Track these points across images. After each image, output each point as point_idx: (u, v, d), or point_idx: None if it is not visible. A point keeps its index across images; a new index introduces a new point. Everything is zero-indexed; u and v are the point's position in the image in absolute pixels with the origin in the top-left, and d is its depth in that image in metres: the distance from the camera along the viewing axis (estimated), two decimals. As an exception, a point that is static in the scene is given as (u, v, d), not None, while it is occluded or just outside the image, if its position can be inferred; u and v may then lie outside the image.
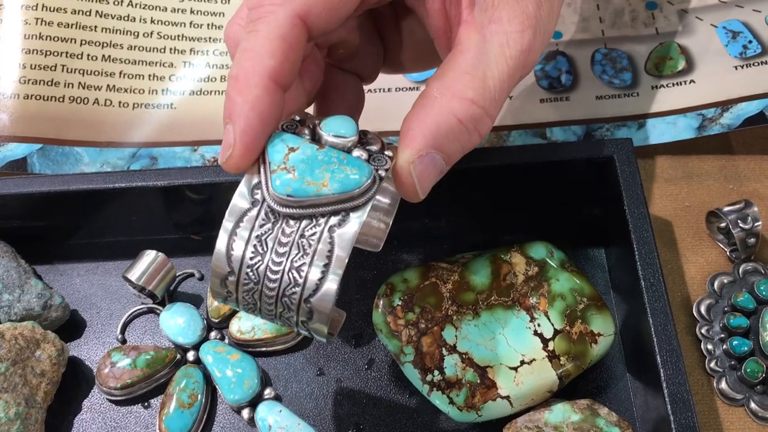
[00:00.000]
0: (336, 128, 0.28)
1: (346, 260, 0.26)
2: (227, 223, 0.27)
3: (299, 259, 0.26)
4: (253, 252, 0.27)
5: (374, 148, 0.28)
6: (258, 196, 0.27)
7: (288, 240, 0.26)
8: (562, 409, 0.35)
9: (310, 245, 0.26)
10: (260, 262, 0.27)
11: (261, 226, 0.27)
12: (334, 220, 0.27)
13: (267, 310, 0.28)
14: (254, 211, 0.27)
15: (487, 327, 0.35)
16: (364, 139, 0.29)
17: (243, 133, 0.27)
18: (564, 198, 0.40)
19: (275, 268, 0.27)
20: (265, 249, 0.27)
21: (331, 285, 0.26)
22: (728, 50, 0.44)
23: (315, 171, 0.27)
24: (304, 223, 0.27)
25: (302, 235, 0.26)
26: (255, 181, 0.27)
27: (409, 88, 0.45)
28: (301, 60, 0.28)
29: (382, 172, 0.27)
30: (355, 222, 0.26)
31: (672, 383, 0.32)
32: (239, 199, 0.27)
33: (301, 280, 0.26)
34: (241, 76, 0.27)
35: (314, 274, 0.26)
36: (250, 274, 0.27)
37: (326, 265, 0.26)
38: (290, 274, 0.26)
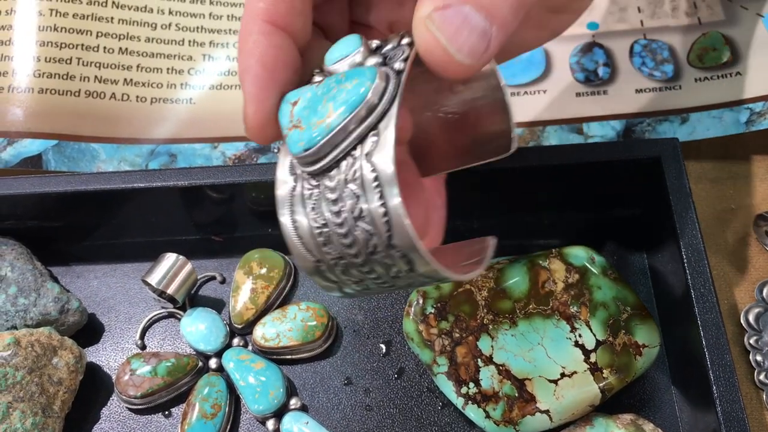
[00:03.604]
0: (335, 52, 0.24)
1: (394, 172, 0.22)
2: (283, 218, 0.24)
3: (356, 206, 0.22)
4: (316, 228, 0.23)
5: (390, 46, 0.24)
6: (295, 171, 0.24)
7: (336, 195, 0.23)
8: (604, 424, 0.33)
9: (358, 186, 0.22)
10: (328, 234, 0.23)
11: (309, 197, 0.23)
12: (367, 145, 0.22)
13: (374, 280, 0.24)
14: (298, 187, 0.24)
15: (525, 337, 0.34)
16: (379, 45, 0.24)
17: (249, 85, 0.24)
18: (604, 200, 0.38)
19: (342, 231, 0.23)
20: (324, 217, 0.23)
21: (396, 212, 0.22)
22: (776, 41, 0.42)
23: (317, 109, 0.23)
24: (343, 166, 0.23)
25: (346, 180, 0.22)
26: (283, 159, 0.24)
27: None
28: (304, 1, 0.25)
29: (398, 65, 0.23)
30: (388, 132, 0.22)
31: (725, 400, 0.30)
32: (281, 185, 0.24)
33: (371, 227, 0.22)
34: (240, 29, 0.25)
35: (376, 213, 0.22)
36: (329, 251, 0.23)
37: (380, 195, 0.22)
38: (359, 228, 0.23)
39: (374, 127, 0.22)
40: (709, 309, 0.31)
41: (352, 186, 0.22)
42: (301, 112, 0.23)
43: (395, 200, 0.22)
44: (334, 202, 0.23)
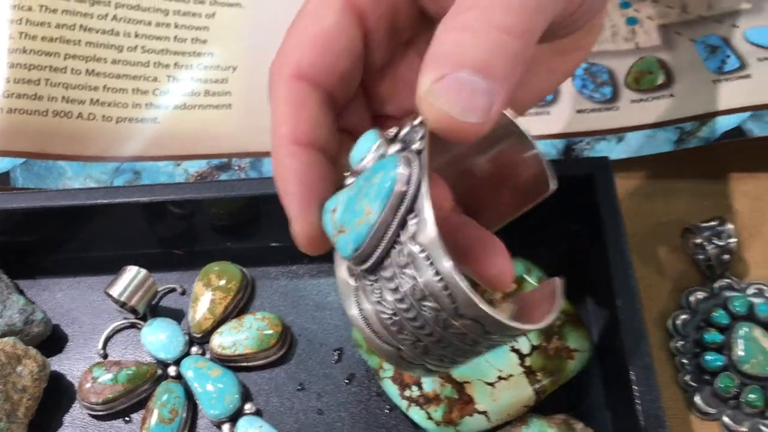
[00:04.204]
0: (357, 151, 0.25)
1: (439, 241, 0.22)
2: (352, 316, 0.25)
3: (415, 289, 0.23)
4: (387, 318, 0.24)
5: (406, 129, 0.25)
6: (353, 272, 0.25)
7: (395, 284, 0.23)
8: (538, 424, 0.35)
9: (411, 267, 0.23)
10: (399, 321, 0.24)
11: (372, 292, 0.24)
12: (410, 229, 0.23)
13: (455, 353, 0.25)
14: (358, 284, 0.25)
15: (465, 343, 0.36)
16: (396, 132, 0.25)
17: (291, 206, 0.26)
18: (542, 215, 0.41)
19: (411, 315, 0.23)
20: (392, 307, 0.24)
21: (450, 273, 0.22)
22: (707, 65, 0.45)
23: (355, 209, 0.24)
24: (393, 254, 0.23)
25: (400, 266, 0.23)
26: (339, 263, 0.26)
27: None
28: (324, 114, 0.27)
29: (417, 145, 0.24)
30: (426, 211, 0.23)
31: (645, 399, 0.32)
32: (344, 287, 0.25)
33: (436, 304, 0.23)
34: (272, 154, 0.27)
35: (434, 284, 0.23)
36: (404, 338, 0.24)
37: (431, 264, 0.22)
38: (425, 308, 0.23)
39: (411, 209, 0.23)
40: (632, 316, 0.34)
41: (407, 270, 0.23)
42: (342, 217, 0.24)
43: (445, 264, 0.22)
44: (395, 290, 0.23)
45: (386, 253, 0.24)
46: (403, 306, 0.23)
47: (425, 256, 0.23)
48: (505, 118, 0.28)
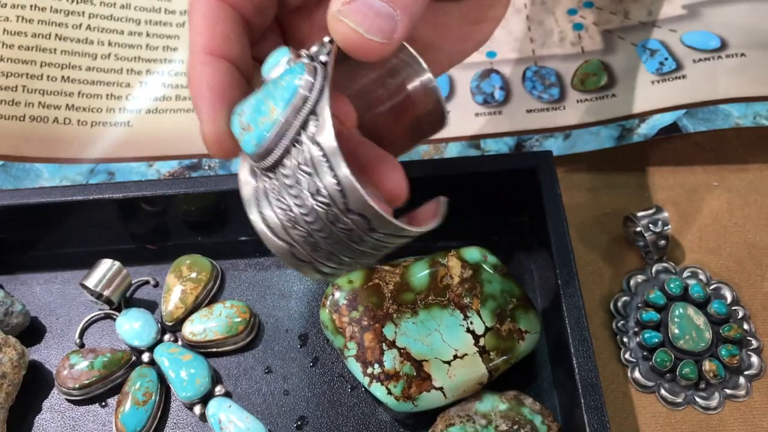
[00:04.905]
0: (268, 63, 0.28)
1: (336, 146, 0.25)
2: (252, 215, 0.27)
3: (311, 184, 0.25)
4: (282, 215, 0.26)
5: (316, 48, 0.27)
6: (254, 171, 0.27)
7: (292, 180, 0.26)
8: (491, 399, 0.38)
9: (308, 164, 0.25)
10: (293, 217, 0.26)
11: (271, 189, 0.27)
12: (310, 129, 0.25)
13: (342, 251, 0.27)
14: (259, 184, 0.27)
15: (424, 324, 0.38)
16: (306, 52, 0.27)
17: (202, 108, 0.28)
18: (495, 207, 0.43)
19: (304, 211, 0.26)
20: (287, 203, 0.26)
21: (345, 174, 0.25)
22: (646, 67, 0.48)
23: (260, 109, 0.26)
24: (293, 153, 0.26)
25: (298, 164, 0.26)
26: (243, 164, 0.28)
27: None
28: (237, 34, 0.29)
29: (323, 58, 0.26)
30: (324, 113, 0.25)
31: (583, 369, 0.35)
32: (244, 185, 0.28)
33: (327, 198, 0.25)
34: (188, 65, 0.29)
35: (328, 183, 0.25)
36: (297, 232, 0.26)
37: (330, 166, 0.25)
38: (318, 203, 0.25)
39: (312, 112, 0.25)
40: (572, 294, 0.37)
41: (304, 168, 0.25)
42: (249, 117, 0.27)
43: (343, 169, 0.25)
44: (292, 186, 0.26)
45: (287, 151, 0.26)
46: (298, 202, 0.26)
47: (322, 154, 0.25)
48: (407, 53, 0.31)
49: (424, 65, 0.31)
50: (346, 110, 0.30)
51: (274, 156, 0.26)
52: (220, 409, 0.38)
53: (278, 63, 0.27)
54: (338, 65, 0.27)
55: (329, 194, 0.25)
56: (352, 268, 0.29)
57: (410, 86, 0.32)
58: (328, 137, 0.25)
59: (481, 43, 0.36)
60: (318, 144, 0.25)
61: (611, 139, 0.46)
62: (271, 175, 0.27)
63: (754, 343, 0.40)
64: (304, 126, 0.26)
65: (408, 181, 0.30)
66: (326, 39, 0.27)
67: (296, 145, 0.26)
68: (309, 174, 0.25)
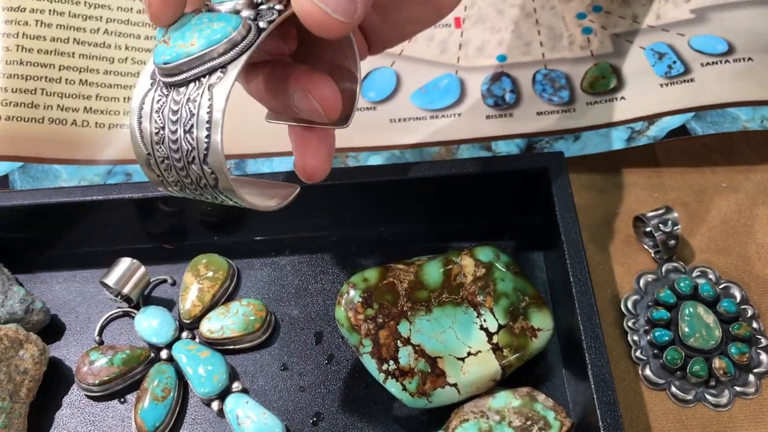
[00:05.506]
0: None
1: (223, 112, 0.27)
2: (133, 103, 0.28)
3: (189, 122, 0.27)
4: (155, 127, 0.28)
5: (267, 6, 0.28)
6: (155, 77, 0.28)
7: (178, 107, 0.27)
8: (504, 396, 0.38)
9: (195, 107, 0.27)
10: (162, 136, 0.28)
11: (158, 101, 0.28)
12: (213, 78, 0.27)
13: (188, 185, 0.29)
14: (153, 89, 0.28)
15: (438, 322, 0.38)
16: (260, 2, 0.28)
17: None
18: (508, 206, 0.44)
19: (174, 137, 0.27)
20: (164, 121, 0.28)
21: (215, 138, 0.27)
22: (655, 70, 0.49)
23: (186, 34, 0.27)
24: (191, 87, 0.27)
25: (189, 99, 0.27)
26: (149, 66, 0.29)
27: (367, 108, 0.49)
28: None
29: (263, 24, 0.27)
30: (231, 73, 0.27)
31: (595, 366, 0.35)
32: (139, 85, 0.29)
33: (194, 143, 0.27)
34: None
35: (201, 133, 0.27)
36: (160, 149, 0.28)
37: (209, 122, 0.27)
38: (186, 140, 0.27)
39: (224, 66, 0.27)
40: (585, 292, 0.37)
41: (190, 105, 0.27)
42: (173, 33, 0.28)
43: (217, 137, 0.27)
44: (174, 112, 0.27)
45: (186, 82, 0.27)
46: (172, 127, 0.28)
47: (208, 106, 0.27)
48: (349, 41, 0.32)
49: (359, 60, 0.33)
50: (279, 44, 0.32)
51: (174, 78, 0.27)
52: (237, 405, 0.39)
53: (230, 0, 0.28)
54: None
55: (197, 142, 0.27)
56: (191, 198, 0.31)
57: (340, 65, 0.33)
58: (222, 94, 0.27)
59: (442, 10, 0.35)
60: (211, 94, 0.27)
61: (620, 141, 0.47)
62: (165, 90, 0.28)
63: (763, 341, 0.41)
64: (211, 72, 0.27)
65: (341, 95, 0.31)
66: (278, 6, 0.28)
67: (196, 82, 0.27)
68: (191, 113, 0.27)
